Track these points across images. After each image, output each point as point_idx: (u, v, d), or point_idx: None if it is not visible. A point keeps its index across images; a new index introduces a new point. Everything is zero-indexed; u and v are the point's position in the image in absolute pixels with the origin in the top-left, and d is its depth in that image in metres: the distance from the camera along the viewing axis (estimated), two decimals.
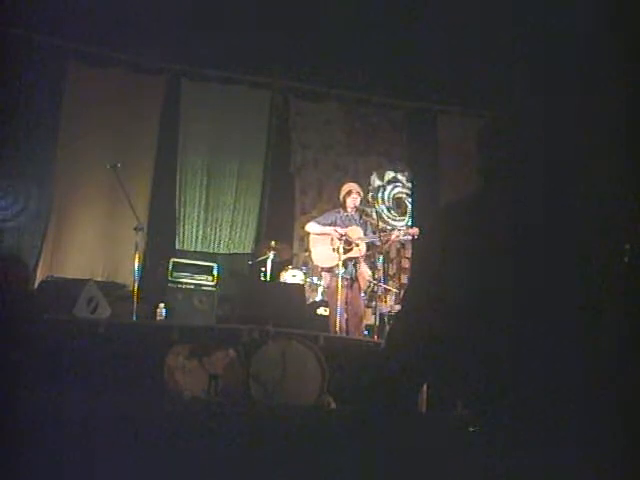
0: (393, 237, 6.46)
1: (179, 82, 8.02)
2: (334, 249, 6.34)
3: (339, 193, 6.77)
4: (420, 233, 6.32)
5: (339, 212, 6.65)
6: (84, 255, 7.48)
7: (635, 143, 1.79)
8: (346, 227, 6.48)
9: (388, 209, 8.50)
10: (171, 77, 7.97)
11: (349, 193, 6.60)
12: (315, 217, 7.90)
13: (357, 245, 6.41)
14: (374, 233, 6.43)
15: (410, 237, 6.51)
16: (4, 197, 7.28)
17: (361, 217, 6.63)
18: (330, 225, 6.53)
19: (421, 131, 8.70)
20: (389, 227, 7.92)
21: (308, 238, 6.83)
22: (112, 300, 6.00)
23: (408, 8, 6.61)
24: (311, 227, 6.65)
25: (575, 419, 1.58)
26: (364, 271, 6.54)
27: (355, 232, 6.47)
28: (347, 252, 6.38)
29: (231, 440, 2.96)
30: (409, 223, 8.42)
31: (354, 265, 6.46)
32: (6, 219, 7.23)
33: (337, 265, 6.20)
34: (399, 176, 8.71)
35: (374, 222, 6.58)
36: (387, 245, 6.56)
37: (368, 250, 6.54)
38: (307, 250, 6.95)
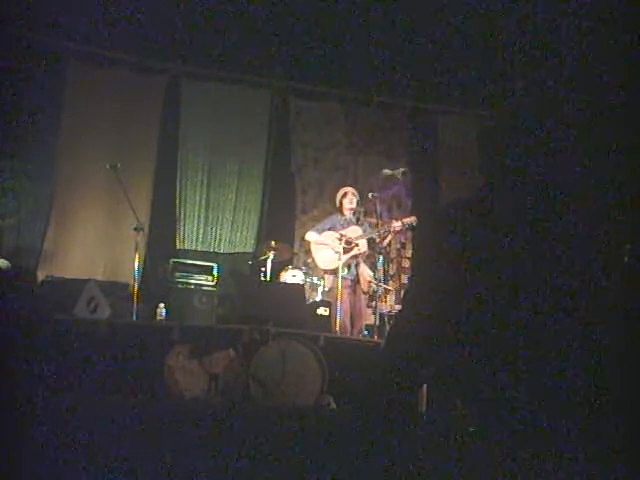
0: (392, 228, 6.44)
1: (179, 82, 8.01)
2: (335, 251, 6.37)
3: (335, 197, 6.85)
4: (419, 229, 6.34)
5: (337, 217, 6.72)
6: (84, 255, 7.47)
7: (636, 143, 1.79)
8: (345, 229, 6.54)
9: (388, 209, 8.49)
10: (171, 77, 7.96)
11: (345, 195, 6.72)
12: (316, 216, 7.94)
13: (357, 245, 6.44)
14: (373, 230, 6.46)
15: (409, 225, 6.48)
16: (4, 196, 7.27)
17: (358, 219, 6.71)
18: (329, 230, 6.59)
19: (421, 131, 8.69)
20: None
21: (309, 246, 6.89)
22: (112, 300, 6.00)
23: (408, 8, 6.62)
24: (310, 236, 6.76)
25: (575, 419, 1.58)
26: (365, 272, 6.57)
27: (354, 231, 6.53)
28: (348, 252, 6.41)
29: (231, 440, 2.96)
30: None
31: (356, 266, 6.50)
32: (6, 219, 7.23)
33: (340, 266, 6.23)
34: (399, 176, 8.70)
35: (373, 221, 6.61)
36: (388, 239, 6.56)
37: (369, 247, 6.57)
38: (310, 257, 6.98)
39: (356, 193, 6.74)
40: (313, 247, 6.74)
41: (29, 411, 3.06)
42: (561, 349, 1.60)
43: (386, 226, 6.42)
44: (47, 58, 7.34)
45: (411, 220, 6.40)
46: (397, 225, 6.40)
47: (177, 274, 6.53)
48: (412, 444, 1.70)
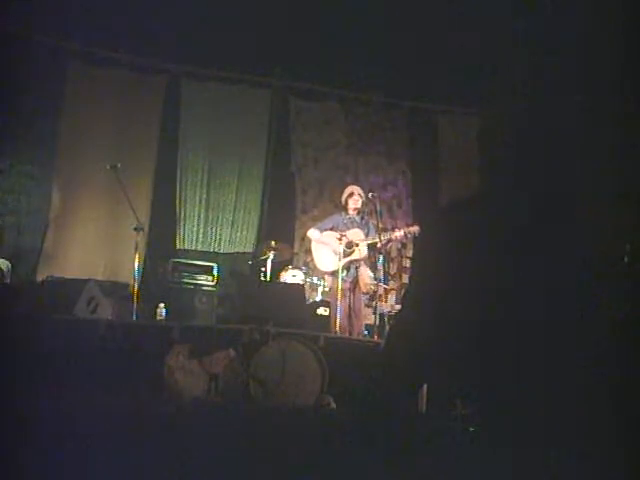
0: (394, 237, 6.41)
1: (179, 82, 8.02)
2: (335, 253, 6.35)
3: (341, 195, 6.79)
4: (421, 231, 6.30)
5: (340, 215, 6.67)
6: (84, 255, 7.47)
7: (635, 142, 1.79)
8: (347, 230, 6.50)
9: (388, 208, 8.48)
10: (171, 77, 7.97)
11: (351, 195, 6.61)
12: (316, 216, 7.91)
13: (357, 246, 6.43)
14: (376, 233, 6.40)
15: (411, 235, 6.46)
16: (4, 196, 7.27)
17: (363, 219, 6.65)
18: (331, 229, 6.55)
19: (421, 131, 8.70)
20: (389, 227, 7.93)
21: (310, 243, 6.86)
22: (112, 300, 6.01)
23: (408, 8, 6.61)
24: (312, 234, 6.70)
25: (575, 419, 1.58)
26: (365, 274, 6.54)
27: (356, 235, 6.48)
28: (348, 255, 6.39)
29: (231, 440, 2.96)
30: (409, 223, 8.41)
31: (356, 268, 6.48)
32: (6, 218, 7.23)
33: (339, 269, 6.21)
34: (399, 176, 8.71)
35: (375, 222, 6.57)
36: (389, 245, 6.53)
37: (370, 251, 6.53)
38: (310, 256, 6.96)
39: (362, 193, 6.61)
40: (313, 246, 6.71)
41: (29, 411, 3.06)
42: (561, 349, 1.60)
43: (389, 234, 6.38)
44: (47, 58, 7.34)
45: (414, 230, 6.31)
46: (399, 235, 6.37)
47: (177, 274, 6.53)
48: (412, 444, 1.70)
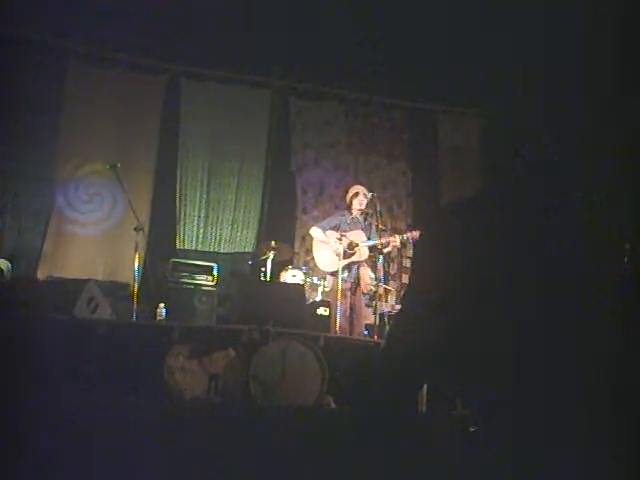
0: (394, 242, 6.35)
1: (179, 82, 8.02)
2: (336, 253, 6.34)
3: (345, 195, 6.78)
4: (421, 232, 6.25)
5: (344, 215, 6.66)
6: (84, 255, 7.47)
7: (636, 142, 1.79)
8: (350, 231, 6.49)
9: (388, 209, 8.47)
10: (171, 77, 7.97)
11: (356, 195, 6.58)
12: (316, 216, 7.91)
13: (357, 247, 6.42)
14: (377, 234, 6.38)
15: (413, 240, 6.42)
16: (4, 197, 7.27)
17: (366, 219, 6.64)
18: (334, 229, 6.54)
19: (421, 131, 8.70)
20: (389, 227, 7.93)
21: (311, 241, 6.84)
22: (112, 300, 6.00)
23: (408, 7, 6.62)
24: (314, 232, 6.68)
25: (575, 419, 1.58)
26: (366, 274, 6.53)
27: (358, 236, 6.48)
28: (349, 256, 6.39)
29: (231, 440, 2.96)
30: (409, 223, 8.42)
31: (357, 268, 6.48)
32: (6, 219, 7.23)
33: (339, 269, 6.21)
34: (399, 176, 8.70)
35: (376, 224, 6.55)
36: (388, 248, 6.51)
37: (371, 253, 6.52)
38: (310, 255, 6.96)
39: (367, 194, 6.54)
40: (315, 244, 6.70)
41: (29, 411, 3.06)
42: (561, 349, 1.60)
43: (391, 238, 6.34)
44: (47, 58, 7.34)
45: (413, 236, 6.28)
46: (398, 239, 6.32)
47: (177, 274, 6.51)
48: (412, 444, 1.70)
